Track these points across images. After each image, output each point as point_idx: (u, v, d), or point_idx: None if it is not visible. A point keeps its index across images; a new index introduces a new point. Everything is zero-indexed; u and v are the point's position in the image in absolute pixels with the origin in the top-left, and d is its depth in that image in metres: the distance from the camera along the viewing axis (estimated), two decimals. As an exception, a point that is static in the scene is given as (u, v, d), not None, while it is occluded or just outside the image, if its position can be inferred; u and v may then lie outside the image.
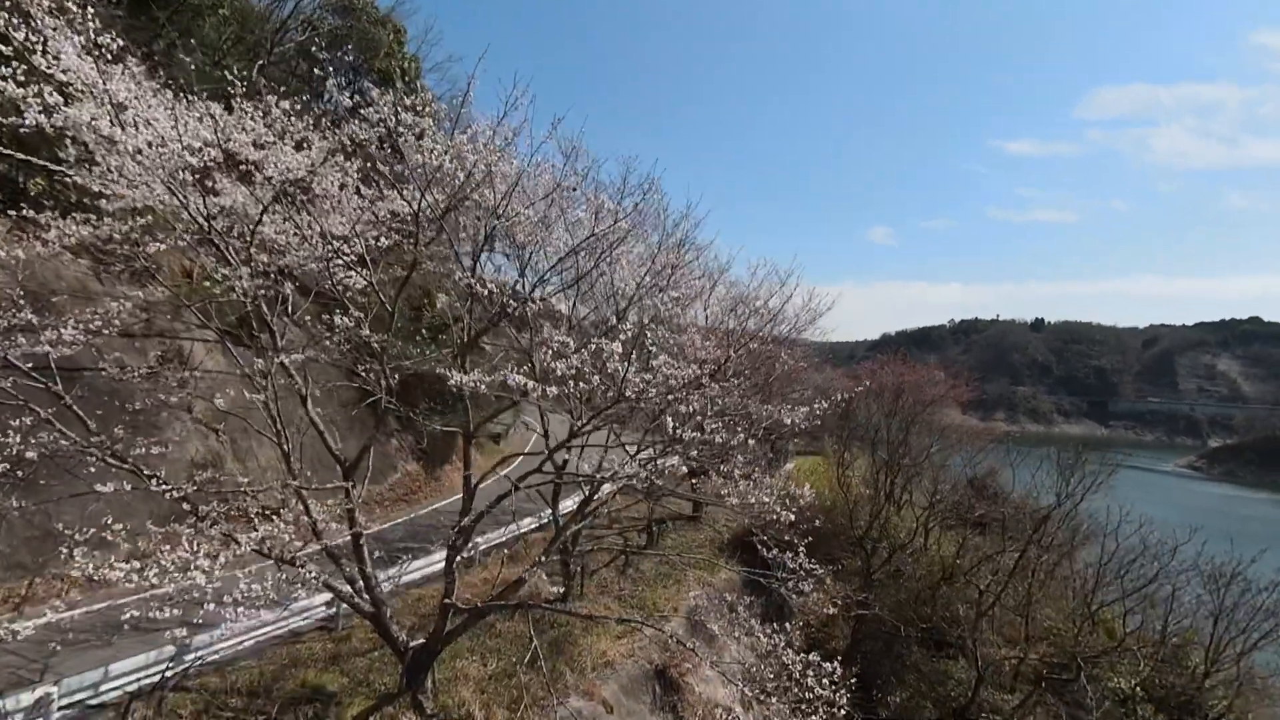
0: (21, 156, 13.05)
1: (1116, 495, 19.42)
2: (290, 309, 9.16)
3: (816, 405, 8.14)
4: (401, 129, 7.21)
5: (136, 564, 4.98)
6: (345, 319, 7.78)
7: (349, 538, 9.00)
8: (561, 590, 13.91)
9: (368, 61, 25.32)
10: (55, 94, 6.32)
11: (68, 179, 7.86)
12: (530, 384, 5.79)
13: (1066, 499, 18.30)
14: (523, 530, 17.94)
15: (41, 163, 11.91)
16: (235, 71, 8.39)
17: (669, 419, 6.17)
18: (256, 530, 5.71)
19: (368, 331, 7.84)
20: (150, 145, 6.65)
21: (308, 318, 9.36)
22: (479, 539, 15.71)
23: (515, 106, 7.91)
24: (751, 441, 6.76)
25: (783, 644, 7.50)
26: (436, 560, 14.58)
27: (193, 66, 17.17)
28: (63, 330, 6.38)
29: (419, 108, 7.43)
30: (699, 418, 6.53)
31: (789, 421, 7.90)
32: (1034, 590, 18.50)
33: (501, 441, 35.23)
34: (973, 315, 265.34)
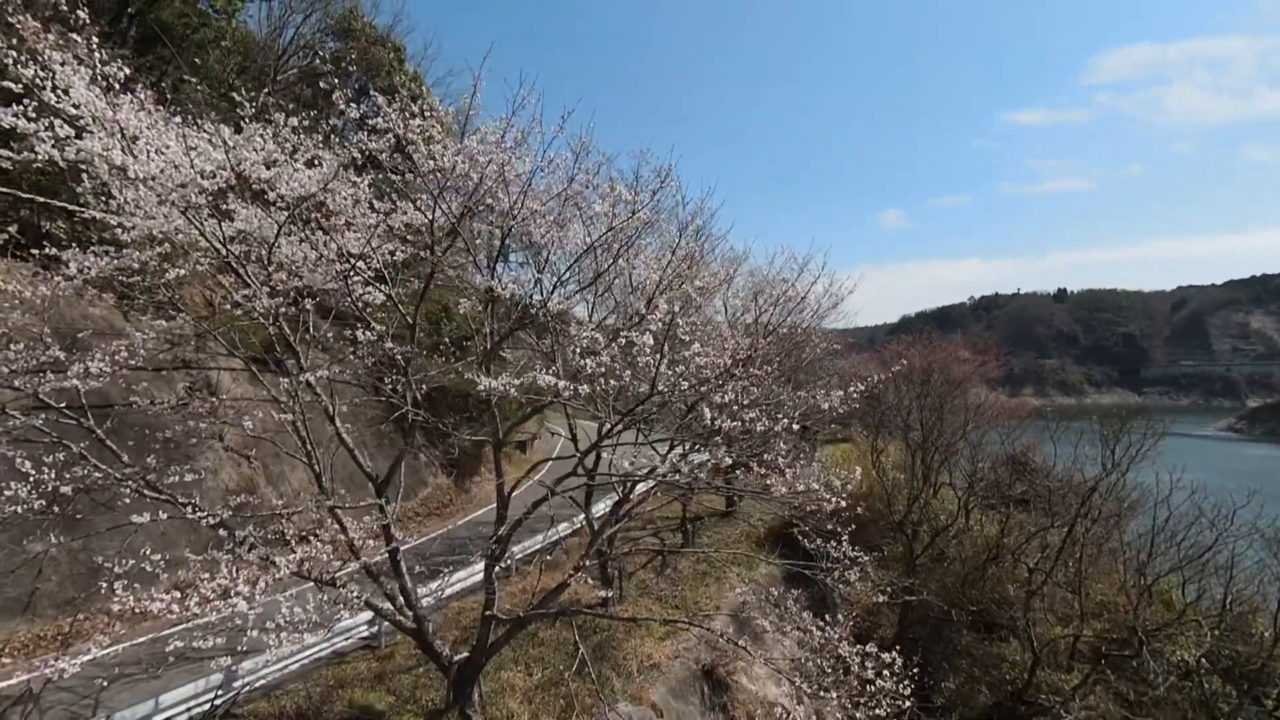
0: (42, 200, 13.23)
1: (1161, 463, 18.76)
2: (312, 329, 9.12)
3: (852, 388, 7.87)
4: (411, 135, 7.10)
5: (177, 594, 4.90)
6: (368, 333, 7.69)
7: (386, 555, 8.92)
8: (602, 595, 13.74)
9: (371, 81, 25.49)
10: (66, 127, 6.30)
11: (87, 217, 7.89)
12: (562, 383, 5.62)
13: (1113, 469, 17.70)
14: (558, 536, 17.85)
15: (61, 204, 12.03)
16: (244, 93, 8.37)
17: (706, 409, 5.95)
18: (295, 553, 5.61)
19: (391, 344, 7.75)
20: (162, 171, 6.60)
21: (329, 334, 9.31)
22: (514, 548, 15.63)
23: (523, 105, 7.78)
24: (796, 427, 6.52)
25: (838, 637, 7.24)
26: (475, 572, 14.51)
27: (196, 99, 17.36)
28: (90, 364, 6.35)
29: (426, 112, 7.32)
30: (735, 407, 6.31)
31: (825, 406, 7.65)
32: (1085, 565, 17.92)
33: (527, 450, 35.24)
34: (993, 291, 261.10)
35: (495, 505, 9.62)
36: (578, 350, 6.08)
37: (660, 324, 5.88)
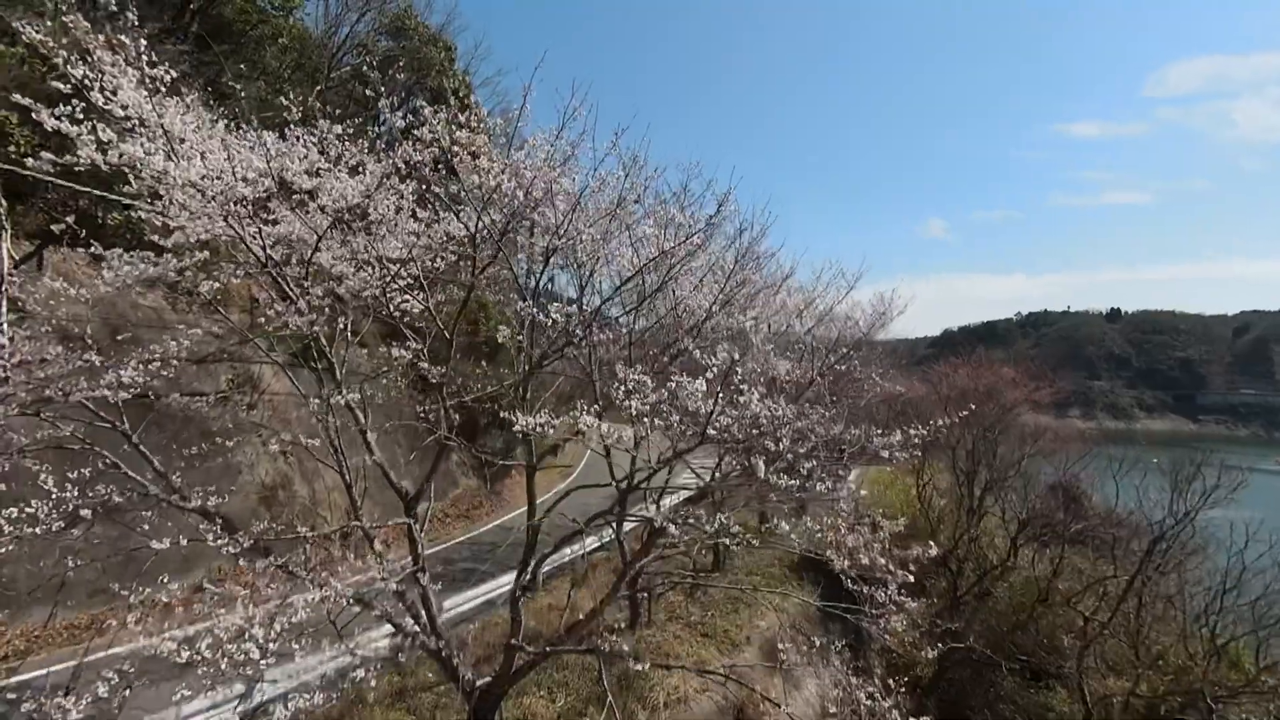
0: (99, 193, 13.39)
1: (1236, 508, 17.37)
2: (350, 335, 8.91)
3: (914, 431, 7.22)
4: (456, 148, 6.77)
5: (190, 630, 4.66)
6: (403, 351, 7.41)
7: (411, 571, 8.64)
8: (628, 620, 13.32)
9: (420, 81, 25.58)
10: (109, 130, 6.14)
11: (140, 214, 7.81)
12: (605, 427, 5.23)
13: (1183, 518, 16.42)
14: (584, 550, 17.51)
15: (116, 198, 12.09)
16: (293, 97, 8.18)
17: (760, 462, 5.46)
18: (315, 592, 5.33)
19: (427, 365, 7.46)
20: (204, 178, 6.41)
21: (364, 350, 9.07)
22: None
23: (574, 117, 7.38)
24: (863, 493, 5.97)
25: (889, 705, 6.65)
26: (501, 584, 14.26)
27: (251, 95, 17.52)
28: (121, 373, 6.17)
29: (473, 124, 6.99)
30: (790, 455, 5.79)
31: (885, 454, 7.03)
32: (1144, 617, 16.73)
33: (558, 453, 35.03)
34: (1041, 307, 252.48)
35: (524, 510, 9.30)
36: (623, 390, 5.63)
37: (716, 371, 5.40)
